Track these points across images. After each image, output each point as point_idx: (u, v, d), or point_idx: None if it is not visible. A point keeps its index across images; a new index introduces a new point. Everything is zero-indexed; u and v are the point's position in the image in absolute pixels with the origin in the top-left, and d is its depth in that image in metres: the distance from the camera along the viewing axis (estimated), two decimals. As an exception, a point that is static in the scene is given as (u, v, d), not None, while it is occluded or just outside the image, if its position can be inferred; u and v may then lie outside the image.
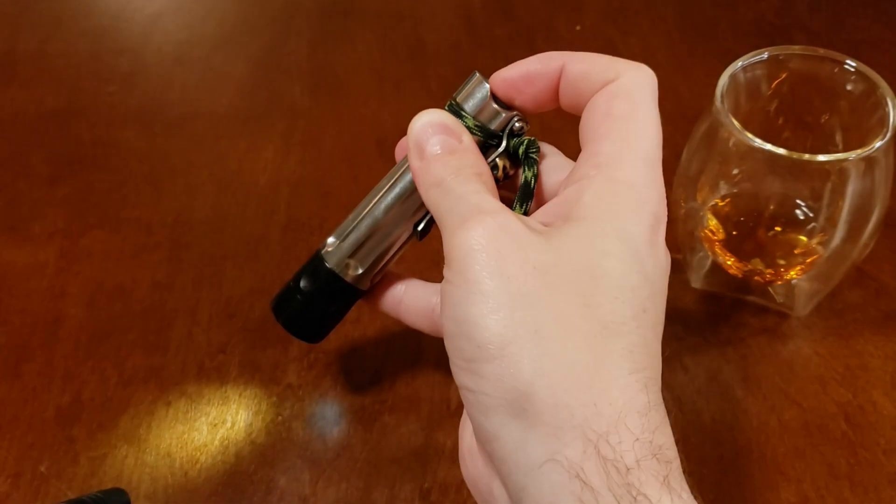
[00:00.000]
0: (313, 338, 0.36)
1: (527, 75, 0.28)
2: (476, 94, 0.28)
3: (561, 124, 0.30)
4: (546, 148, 0.30)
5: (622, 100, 0.26)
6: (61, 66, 0.59)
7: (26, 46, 0.61)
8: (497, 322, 0.22)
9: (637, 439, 0.21)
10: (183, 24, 0.63)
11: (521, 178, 0.28)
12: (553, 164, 0.29)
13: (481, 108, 0.28)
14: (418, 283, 0.33)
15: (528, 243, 0.24)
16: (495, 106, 0.28)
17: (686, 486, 0.22)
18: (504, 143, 0.28)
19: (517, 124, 0.29)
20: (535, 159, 0.28)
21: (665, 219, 0.25)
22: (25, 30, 0.63)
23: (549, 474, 0.21)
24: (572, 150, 0.28)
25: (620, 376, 0.22)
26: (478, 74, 0.29)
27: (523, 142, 0.29)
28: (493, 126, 0.28)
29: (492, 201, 0.25)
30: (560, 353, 0.22)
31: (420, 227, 0.31)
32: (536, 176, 0.28)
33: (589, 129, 0.26)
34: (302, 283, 0.34)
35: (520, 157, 0.29)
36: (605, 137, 0.26)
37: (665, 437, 0.22)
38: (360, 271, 0.33)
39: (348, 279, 0.33)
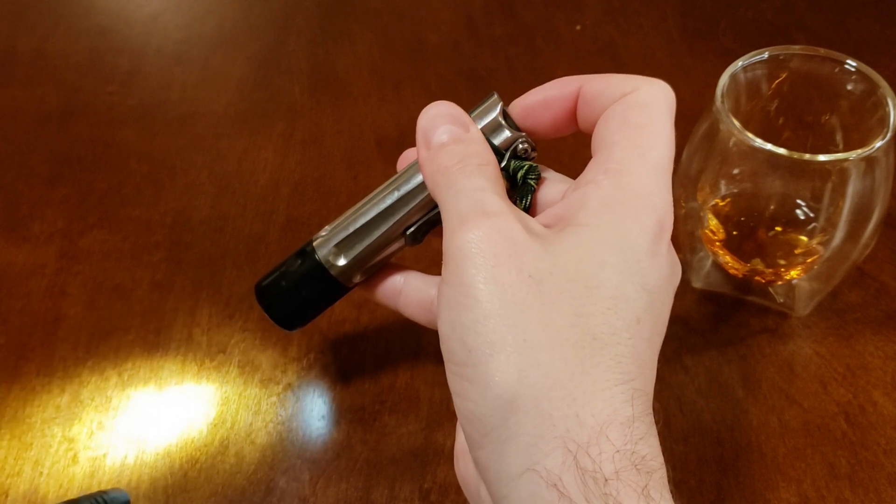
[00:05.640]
0: (289, 324, 0.36)
1: (545, 100, 0.28)
2: (488, 111, 0.29)
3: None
4: (549, 174, 0.29)
5: (638, 110, 0.26)
6: (61, 65, 0.59)
7: (26, 46, 0.61)
8: (488, 329, 0.22)
9: (618, 451, 0.21)
10: (183, 24, 0.63)
11: (516, 200, 0.28)
12: (554, 189, 0.29)
13: (490, 125, 0.29)
14: (418, 275, 0.33)
15: (526, 249, 0.23)
16: (503, 123, 0.28)
17: (667, 495, 0.22)
18: (504, 162, 0.28)
19: (521, 146, 0.29)
20: (532, 186, 0.28)
21: (671, 228, 0.25)
22: (25, 29, 0.63)
23: (528, 484, 0.21)
24: (573, 151, 0.28)
25: (606, 388, 0.22)
26: (496, 95, 0.29)
27: (524, 166, 0.28)
28: (499, 144, 0.29)
29: (494, 200, 0.25)
30: (546, 363, 0.22)
31: (409, 232, 0.31)
32: (530, 203, 0.28)
33: (602, 136, 0.26)
34: (287, 269, 0.34)
35: (517, 181, 0.29)
36: (617, 144, 0.26)
37: (649, 448, 0.22)
38: (346, 266, 0.33)
39: (333, 272, 0.33)
